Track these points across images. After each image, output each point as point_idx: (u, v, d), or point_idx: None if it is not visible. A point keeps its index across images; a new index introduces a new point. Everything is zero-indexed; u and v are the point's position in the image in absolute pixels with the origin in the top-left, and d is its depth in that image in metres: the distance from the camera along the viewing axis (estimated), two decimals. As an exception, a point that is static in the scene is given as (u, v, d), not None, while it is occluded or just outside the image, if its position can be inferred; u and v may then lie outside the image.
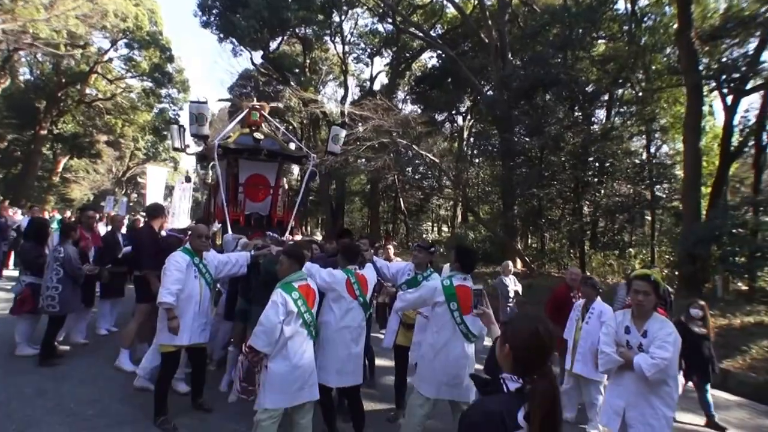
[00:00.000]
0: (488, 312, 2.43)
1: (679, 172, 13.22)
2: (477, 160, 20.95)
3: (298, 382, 2.91)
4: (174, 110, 32.77)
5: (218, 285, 4.66)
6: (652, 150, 16.11)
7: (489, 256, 16.01)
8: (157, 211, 5.21)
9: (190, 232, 4.14)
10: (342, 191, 23.47)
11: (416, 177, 19.95)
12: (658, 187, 14.48)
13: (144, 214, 15.63)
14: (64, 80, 27.90)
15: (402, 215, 23.31)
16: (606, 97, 15.17)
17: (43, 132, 28.03)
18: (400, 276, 4.20)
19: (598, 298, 4.37)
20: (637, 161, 14.71)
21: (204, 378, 3.92)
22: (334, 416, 3.52)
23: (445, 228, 26.23)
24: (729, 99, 12.08)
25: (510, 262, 7.62)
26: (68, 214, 18.25)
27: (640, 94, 14.66)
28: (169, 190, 23.22)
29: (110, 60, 28.74)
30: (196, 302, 3.60)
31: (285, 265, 3.10)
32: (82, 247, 5.30)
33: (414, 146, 15.49)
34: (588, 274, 9.81)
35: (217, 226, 5.60)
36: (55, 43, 21.95)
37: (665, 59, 14.18)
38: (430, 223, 26.87)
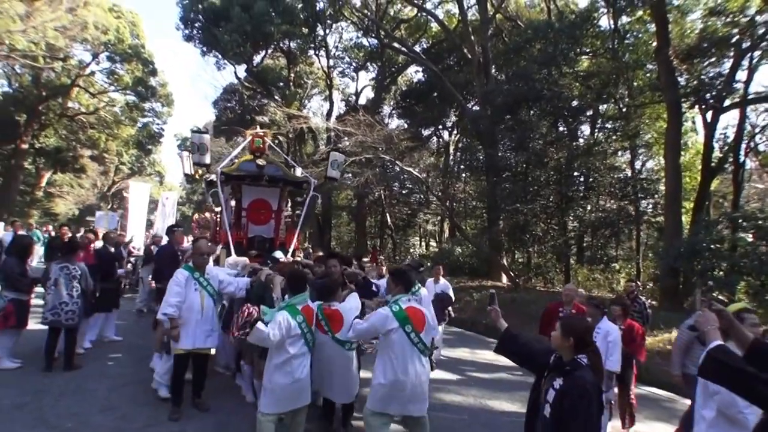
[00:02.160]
0: (498, 310, 2.78)
1: (663, 187, 13.25)
2: (463, 175, 20.86)
3: (297, 392, 3.31)
4: (158, 124, 32.45)
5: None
6: (637, 165, 16.19)
7: (475, 270, 15.91)
8: (175, 230, 6.36)
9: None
10: (328, 206, 23.21)
11: (403, 192, 19.81)
12: (643, 202, 14.51)
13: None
14: (44, 93, 27.39)
15: (389, 230, 23.10)
16: (590, 113, 15.19)
17: (25, 146, 27.49)
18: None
19: (605, 317, 4.27)
20: (621, 176, 14.72)
21: (203, 380, 4.33)
22: (332, 413, 4.05)
23: (432, 243, 26.02)
24: (708, 116, 12.17)
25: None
26: (50, 228, 17.61)
27: (624, 109, 14.71)
28: (155, 204, 22.81)
29: (92, 73, 28.31)
30: (197, 312, 4.05)
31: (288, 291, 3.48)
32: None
33: (398, 162, 15.35)
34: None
35: (220, 247, 5.91)
36: (33, 55, 21.55)
37: (647, 76, 14.27)
38: (417, 238, 26.65)
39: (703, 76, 11.50)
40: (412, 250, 23.95)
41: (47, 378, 4.82)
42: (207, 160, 5.67)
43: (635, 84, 14.38)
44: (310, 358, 3.41)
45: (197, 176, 6.41)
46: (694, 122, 16.30)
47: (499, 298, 8.11)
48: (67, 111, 29.48)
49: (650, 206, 14.75)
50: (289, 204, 7.50)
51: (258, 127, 7.38)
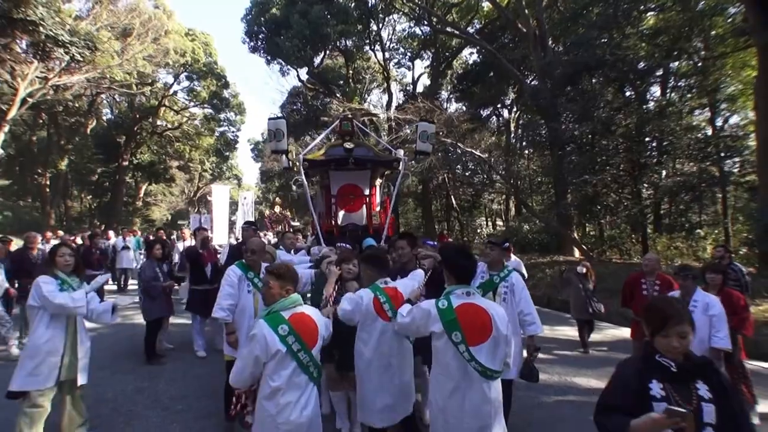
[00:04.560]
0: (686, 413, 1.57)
1: (753, 143, 12.26)
2: (526, 152, 20.57)
3: None
4: (233, 132, 35.44)
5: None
6: (719, 122, 15.01)
7: (545, 246, 15.87)
8: (247, 231, 5.94)
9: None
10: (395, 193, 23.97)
11: (466, 174, 20.03)
12: (728, 161, 13.52)
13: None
14: (138, 115, 31.22)
15: (455, 212, 23.40)
16: (660, 73, 14.32)
17: (125, 163, 31.59)
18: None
19: (698, 288, 3.91)
20: (700, 136, 13.80)
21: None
22: None
23: (499, 222, 25.92)
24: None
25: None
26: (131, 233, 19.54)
27: (699, 64, 13.73)
28: (235, 206, 25.17)
29: (175, 93, 31.71)
30: (250, 316, 3.58)
31: (274, 289, 2.39)
32: (201, 263, 6.08)
33: (459, 144, 15.67)
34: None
35: (310, 237, 5.81)
36: (128, 83, 24.78)
37: (728, 22, 13.15)
38: (483, 218, 26.66)
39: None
40: (479, 231, 24.08)
41: (158, 365, 5.50)
42: (284, 145, 5.35)
43: (713, 33, 13.35)
44: (315, 392, 2.36)
45: (294, 169, 5.93)
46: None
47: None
48: (156, 129, 33.33)
49: (737, 165, 13.70)
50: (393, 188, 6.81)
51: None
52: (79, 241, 10.59)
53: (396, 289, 2.86)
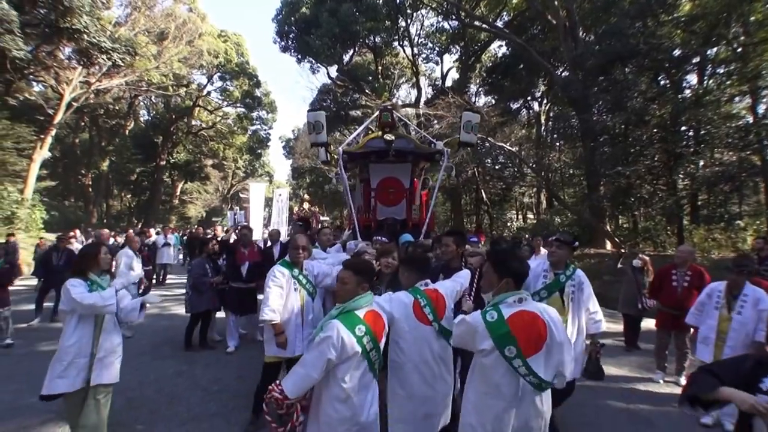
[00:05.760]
0: None
1: (797, 130, 11.91)
2: (557, 144, 20.40)
3: None
4: (265, 130, 36.37)
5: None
6: (761, 110, 14.54)
7: (577, 239, 15.74)
8: (299, 227, 6.06)
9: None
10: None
11: (496, 167, 20.06)
12: (771, 149, 13.13)
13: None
14: (174, 116, 32.46)
15: (485, 206, 23.42)
16: (696, 60, 13.99)
17: (163, 162, 32.94)
18: (534, 281, 3.33)
19: (747, 282, 3.82)
20: (740, 125, 13.45)
21: None
22: None
23: (530, 215, 25.79)
24: None
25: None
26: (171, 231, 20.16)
27: (739, 50, 13.35)
28: (267, 202, 25.89)
29: (208, 93, 32.82)
30: (297, 315, 3.54)
31: (350, 285, 2.32)
32: (237, 261, 5.95)
33: (490, 138, 15.75)
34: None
35: (347, 233, 5.69)
36: (165, 85, 25.89)
37: (767, 7, 12.77)
38: (514, 212, 26.54)
39: None
40: (509, 224, 24.02)
41: (195, 352, 5.86)
42: (324, 137, 5.17)
43: (752, 18, 12.99)
44: (376, 387, 2.36)
45: (333, 162, 5.76)
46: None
47: (604, 264, 8.07)
48: (191, 128, 34.59)
49: (781, 154, 13.28)
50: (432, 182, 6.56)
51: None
52: (120, 239, 11.25)
53: (437, 290, 2.70)
